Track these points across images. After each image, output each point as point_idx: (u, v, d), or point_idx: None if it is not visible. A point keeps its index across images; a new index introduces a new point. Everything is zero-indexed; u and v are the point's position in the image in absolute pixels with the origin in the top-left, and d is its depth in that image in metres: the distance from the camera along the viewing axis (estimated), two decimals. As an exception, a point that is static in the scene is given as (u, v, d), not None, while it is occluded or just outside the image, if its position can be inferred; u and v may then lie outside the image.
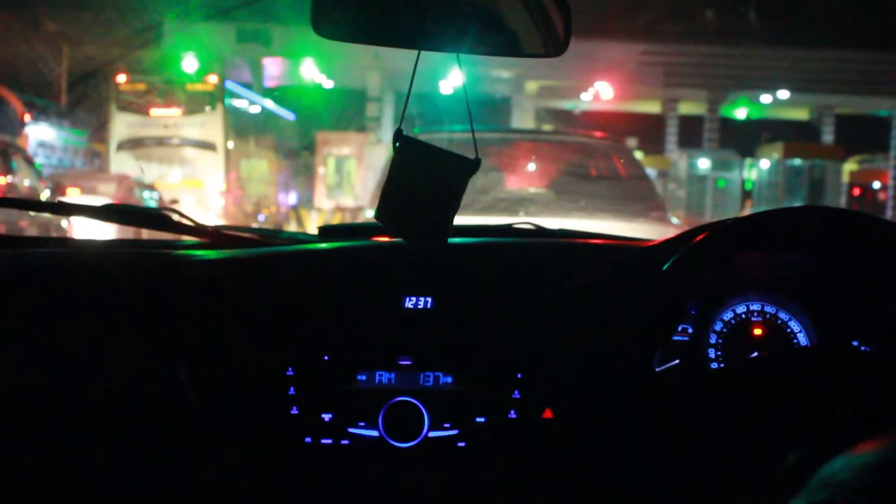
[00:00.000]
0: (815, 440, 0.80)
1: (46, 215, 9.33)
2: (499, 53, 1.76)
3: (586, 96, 31.28)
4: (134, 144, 19.33)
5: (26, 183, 14.32)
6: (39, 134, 17.91)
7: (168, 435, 1.76)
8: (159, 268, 1.91)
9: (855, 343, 1.87)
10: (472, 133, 1.79)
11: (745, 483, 0.86)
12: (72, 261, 1.98)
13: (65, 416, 1.75)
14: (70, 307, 1.82)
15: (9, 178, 13.71)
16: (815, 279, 1.90)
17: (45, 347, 1.78)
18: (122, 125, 19.28)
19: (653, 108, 33.57)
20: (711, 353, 1.91)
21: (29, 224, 10.85)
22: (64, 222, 11.84)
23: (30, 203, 2.13)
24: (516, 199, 6.02)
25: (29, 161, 15.31)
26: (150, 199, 16.32)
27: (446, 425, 1.73)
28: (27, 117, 17.27)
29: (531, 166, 6.67)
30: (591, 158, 6.70)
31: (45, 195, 13.93)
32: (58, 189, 14.59)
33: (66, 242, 2.59)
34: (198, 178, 19.46)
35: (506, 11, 1.72)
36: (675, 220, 6.34)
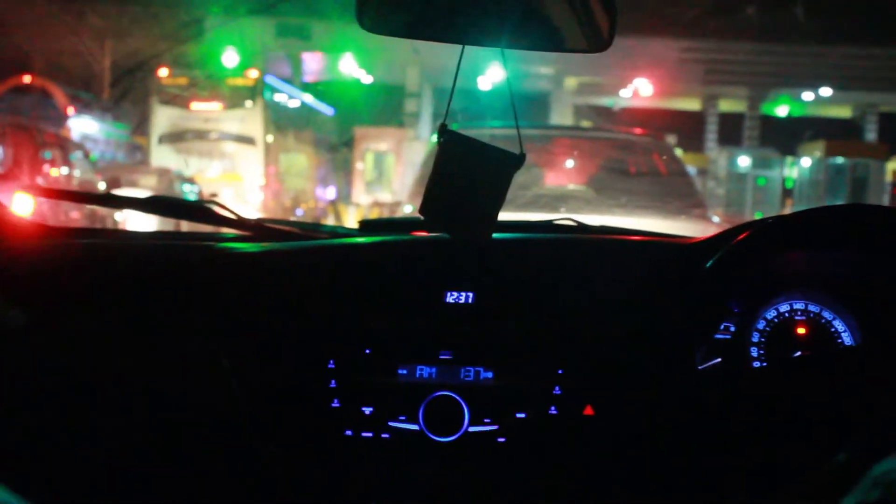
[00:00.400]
0: (865, 439, 0.79)
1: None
2: (542, 48, 1.76)
3: (625, 93, 31.16)
4: (175, 138, 19.48)
5: (83, 175, 14.79)
6: (82, 127, 18.10)
7: (211, 424, 1.77)
8: (203, 260, 1.92)
9: None
10: (516, 128, 1.79)
11: (793, 482, 0.85)
12: (119, 252, 2.00)
13: (110, 403, 1.77)
14: (117, 298, 1.84)
15: (68, 171, 14.20)
16: (859, 278, 1.88)
17: (93, 337, 1.80)
18: (163, 119, 19.44)
19: (693, 105, 33.38)
20: (754, 352, 1.89)
21: (84, 214, 11.06)
22: (118, 214, 12.05)
23: (79, 195, 2.16)
24: (557, 195, 6.00)
25: (85, 154, 15.75)
26: (189, 193, 16.45)
27: (486, 420, 1.73)
28: (70, 110, 17.46)
29: (572, 163, 6.64)
30: (631, 155, 6.62)
31: (100, 187, 14.32)
32: (112, 182, 14.91)
33: (115, 234, 2.61)
34: (237, 171, 19.58)
35: (550, 6, 1.71)
36: (715, 219, 6.32)
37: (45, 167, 14.09)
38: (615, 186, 6.03)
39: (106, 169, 17.21)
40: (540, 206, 5.34)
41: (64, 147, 15.20)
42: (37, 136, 14.67)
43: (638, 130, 7.58)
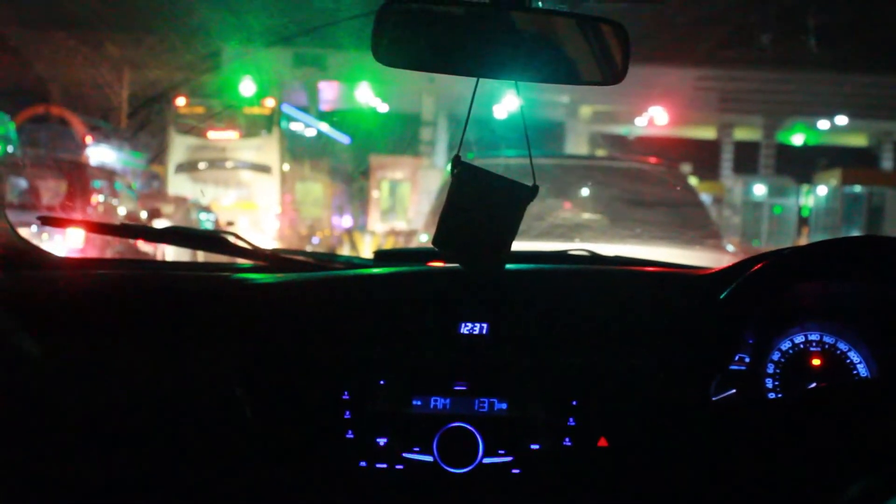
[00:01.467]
0: (878, 474, 0.79)
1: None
2: (557, 81, 1.77)
3: (641, 121, 31.11)
4: (192, 167, 19.53)
5: (127, 207, 15.24)
6: (100, 156, 18.19)
7: (224, 452, 1.78)
8: (218, 290, 1.94)
9: None
10: (529, 160, 1.80)
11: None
12: (136, 283, 2.01)
13: (125, 430, 1.78)
14: (133, 327, 1.85)
15: (112, 201, 14.64)
16: (875, 309, 1.87)
17: (109, 366, 1.81)
18: (180, 148, 19.50)
19: (708, 133, 33.31)
20: (769, 383, 1.89)
21: (116, 243, 11.26)
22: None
23: (97, 225, 2.18)
24: (571, 225, 6.00)
25: (129, 187, 16.12)
26: (206, 221, 16.50)
27: (501, 452, 1.73)
28: (89, 140, 17.56)
29: (586, 192, 6.62)
30: (645, 185, 6.62)
31: (143, 217, 14.74)
32: (153, 213, 15.29)
33: (133, 264, 2.63)
34: (253, 200, 19.60)
35: (564, 40, 1.73)
36: (730, 248, 6.30)
37: (95, 198, 14.57)
38: (629, 216, 6.03)
39: (147, 199, 17.54)
40: (554, 235, 5.35)
41: (110, 178, 15.70)
42: (88, 167, 15.19)
43: (652, 160, 7.61)
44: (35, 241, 2.24)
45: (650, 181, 6.71)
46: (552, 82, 1.77)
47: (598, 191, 6.58)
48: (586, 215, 6.35)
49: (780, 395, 1.89)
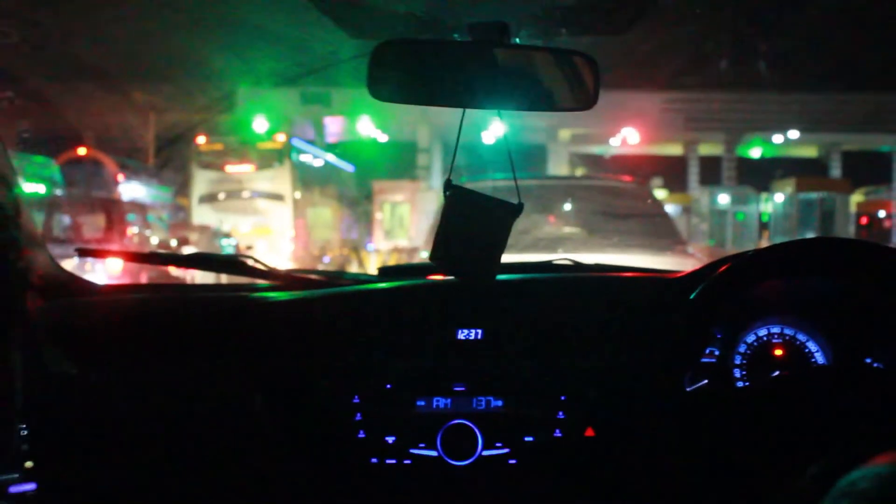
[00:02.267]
0: (835, 452, 0.79)
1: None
2: (535, 109, 1.78)
3: (615, 141, 31.18)
4: (213, 198, 19.56)
5: (158, 236, 15.47)
6: (131, 192, 18.24)
7: (246, 456, 1.77)
8: (238, 309, 1.93)
9: (868, 360, 1.84)
10: (514, 180, 1.80)
11: (771, 493, 0.85)
12: (163, 305, 2.01)
13: (155, 440, 1.78)
14: (165, 345, 1.85)
15: (146, 232, 14.78)
16: (829, 303, 1.87)
17: (139, 383, 1.81)
18: (202, 181, 19.53)
19: (675, 150, 33.40)
20: (737, 373, 1.89)
21: (150, 269, 11.37)
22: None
23: (128, 254, 2.18)
24: (554, 238, 6.07)
25: (160, 218, 16.28)
26: (227, 246, 16.53)
27: (498, 444, 1.73)
28: (121, 177, 17.61)
29: (565, 208, 6.71)
30: (617, 199, 6.71)
31: (173, 244, 14.91)
32: (182, 241, 15.46)
33: (160, 288, 2.63)
34: (269, 226, 19.62)
35: (540, 71, 1.73)
36: (691, 250, 6.53)
37: (131, 230, 14.77)
38: (605, 228, 6.13)
39: (175, 228, 17.70)
40: (539, 248, 5.32)
41: (142, 211, 15.89)
42: (121, 203, 15.41)
43: (623, 177, 7.71)
44: (78, 273, 2.24)
45: (621, 196, 6.83)
46: (531, 110, 1.78)
47: (576, 206, 6.69)
48: (566, 229, 6.46)
49: (747, 384, 1.89)
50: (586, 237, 6.13)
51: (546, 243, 5.71)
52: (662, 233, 6.17)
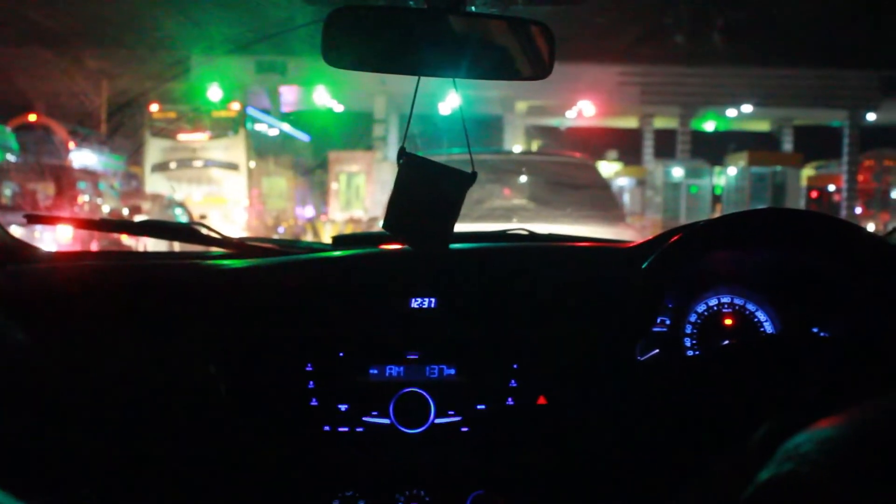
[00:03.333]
0: (780, 417, 0.80)
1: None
2: (490, 77, 1.77)
3: (571, 114, 31.22)
4: (166, 167, 19.36)
5: (110, 204, 15.24)
6: (82, 159, 17.95)
7: (200, 424, 1.77)
8: (191, 277, 1.92)
9: (815, 329, 1.87)
10: (468, 150, 1.80)
11: (718, 457, 0.86)
12: (115, 273, 1.98)
13: (107, 409, 1.76)
14: (113, 313, 1.83)
15: (97, 200, 14.61)
16: (778, 273, 1.90)
17: (91, 350, 1.78)
18: (155, 150, 19.31)
19: (631, 123, 33.52)
20: (688, 342, 1.91)
21: (101, 237, 11.26)
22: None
23: (78, 221, 2.13)
24: (505, 208, 6.42)
25: (111, 186, 16.07)
26: (181, 216, 16.36)
27: (451, 412, 1.74)
28: (72, 145, 17.32)
29: (517, 181, 7.09)
30: (563, 174, 7.13)
31: (125, 213, 14.70)
32: (133, 209, 15.28)
33: (113, 255, 2.59)
34: (223, 195, 19.48)
35: (495, 39, 1.72)
36: (629, 221, 7.45)
37: (82, 198, 14.53)
38: (553, 199, 6.58)
39: (126, 197, 17.48)
40: (492, 218, 5.72)
41: (94, 179, 15.65)
42: (72, 170, 15.16)
43: (568, 153, 8.09)
44: (27, 241, 2.20)
45: (567, 171, 7.24)
46: (486, 78, 1.77)
47: (526, 180, 7.08)
48: (516, 200, 6.78)
49: (697, 353, 1.91)
50: (535, 208, 6.47)
51: (499, 213, 6.08)
52: (605, 205, 6.59)
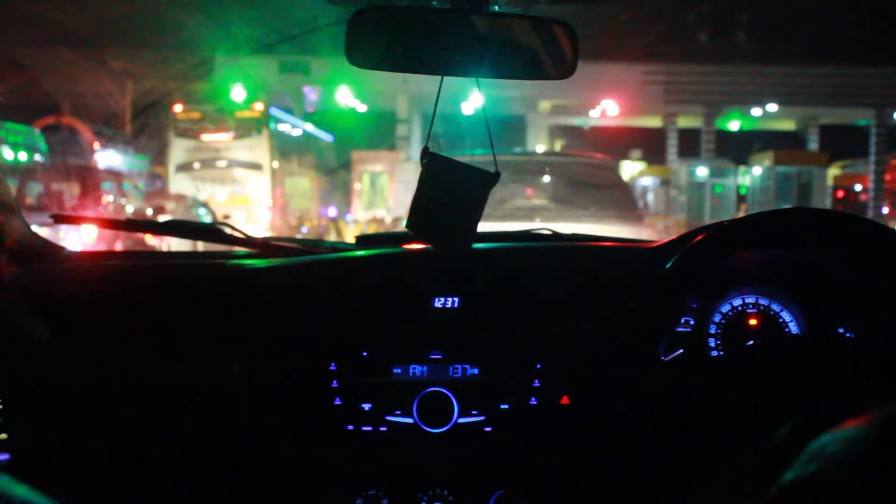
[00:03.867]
0: (805, 417, 0.80)
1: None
2: (512, 77, 1.77)
3: (594, 113, 31.13)
4: (190, 167, 19.45)
5: (134, 204, 15.39)
6: (107, 160, 18.07)
7: (223, 422, 1.78)
8: (216, 276, 1.93)
9: (840, 330, 1.86)
10: (491, 149, 1.80)
11: (741, 457, 0.86)
12: (141, 272, 2.00)
13: (129, 407, 1.77)
14: (141, 312, 1.85)
15: (121, 200, 14.76)
16: (803, 273, 1.89)
17: (117, 348, 1.80)
18: (179, 150, 19.41)
19: (654, 122, 33.39)
20: (712, 342, 1.90)
21: (125, 237, 11.36)
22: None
23: (104, 221, 2.14)
24: (527, 208, 6.56)
25: (136, 187, 16.23)
26: (204, 216, 16.45)
27: (474, 412, 1.74)
28: (97, 145, 17.45)
29: (539, 181, 7.26)
30: (584, 174, 7.32)
31: (148, 214, 14.82)
32: (157, 209, 15.37)
33: (139, 256, 2.61)
34: (247, 195, 19.55)
35: (518, 39, 1.73)
36: (646, 220, 7.58)
37: (106, 198, 14.67)
38: (572, 200, 6.76)
39: (151, 197, 17.59)
40: (514, 217, 5.83)
41: (118, 179, 15.81)
42: (97, 171, 15.31)
43: (588, 154, 8.29)
44: (53, 240, 2.22)
45: (587, 171, 7.43)
46: (509, 78, 1.77)
47: (548, 180, 7.24)
48: (537, 200, 6.93)
49: (721, 353, 1.90)
50: (556, 208, 6.63)
51: (520, 213, 6.19)
52: (624, 206, 6.77)
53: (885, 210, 28.67)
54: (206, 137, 19.62)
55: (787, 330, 1.91)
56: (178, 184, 19.04)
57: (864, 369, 1.38)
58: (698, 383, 1.52)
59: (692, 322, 1.91)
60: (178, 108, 18.91)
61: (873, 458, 0.66)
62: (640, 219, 6.97)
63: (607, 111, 29.62)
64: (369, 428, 1.75)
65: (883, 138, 30.19)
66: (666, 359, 1.73)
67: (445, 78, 1.74)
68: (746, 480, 0.83)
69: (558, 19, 1.69)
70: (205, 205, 17.42)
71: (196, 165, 19.52)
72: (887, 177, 29.71)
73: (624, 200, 6.95)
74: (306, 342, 1.78)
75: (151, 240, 11.23)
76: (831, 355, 1.44)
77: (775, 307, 1.92)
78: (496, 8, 1.74)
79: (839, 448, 0.68)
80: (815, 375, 1.36)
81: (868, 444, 0.68)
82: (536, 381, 1.75)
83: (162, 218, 13.51)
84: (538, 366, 1.76)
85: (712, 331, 1.91)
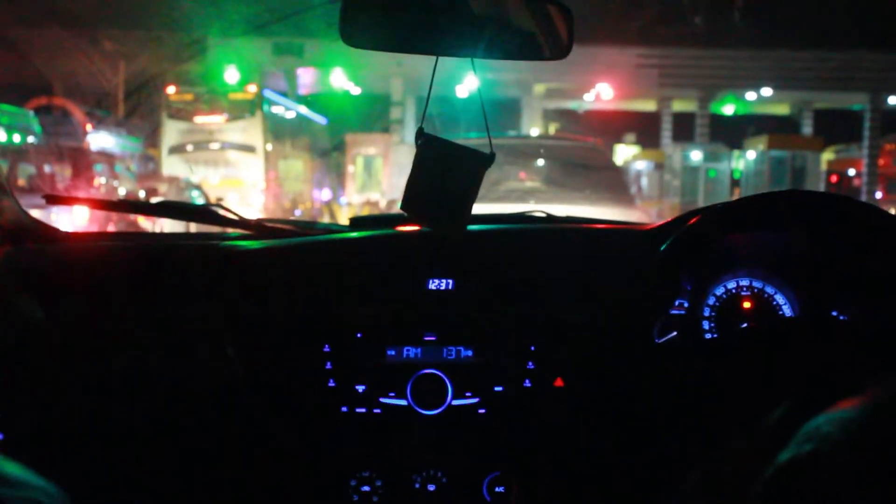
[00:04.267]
0: (800, 398, 0.80)
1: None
2: (507, 57, 1.76)
3: (589, 97, 31.19)
4: (183, 149, 19.41)
5: (126, 186, 15.35)
6: (100, 141, 18.03)
7: (219, 405, 1.78)
8: (209, 257, 1.92)
9: (835, 313, 1.86)
10: (486, 130, 1.80)
11: (736, 438, 0.86)
12: (136, 252, 1.99)
13: (126, 389, 1.77)
14: (134, 292, 1.84)
15: (114, 182, 14.72)
16: (797, 256, 1.89)
17: (111, 330, 1.80)
18: (172, 132, 19.36)
19: (649, 106, 33.44)
20: (706, 325, 1.91)
21: (118, 219, 11.31)
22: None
23: (97, 202, 2.13)
24: (520, 190, 6.79)
25: (128, 169, 16.19)
26: (198, 198, 16.43)
27: (468, 394, 1.74)
28: (89, 127, 17.40)
29: (530, 165, 7.49)
30: (576, 158, 7.51)
31: (141, 196, 14.80)
32: (150, 192, 15.34)
33: (131, 236, 2.60)
34: (240, 177, 19.52)
35: (513, 19, 1.72)
36: (638, 202, 8.16)
37: (98, 180, 14.64)
38: (563, 182, 6.94)
39: (143, 179, 17.54)
40: (507, 199, 5.99)
41: (110, 161, 15.76)
42: (89, 152, 15.26)
43: (580, 137, 8.59)
44: (45, 220, 2.21)
45: (579, 155, 7.65)
46: (504, 58, 1.76)
47: (539, 163, 7.49)
48: (530, 183, 7.20)
49: (716, 336, 1.90)
50: (548, 190, 6.82)
51: (514, 195, 6.38)
52: (614, 188, 6.98)
53: (879, 195, 28.77)
54: (199, 119, 19.57)
55: (780, 313, 1.91)
56: (171, 166, 18.99)
57: (857, 351, 1.39)
58: (692, 366, 1.53)
59: (686, 305, 1.91)
60: (170, 89, 18.85)
61: (868, 438, 0.66)
62: (632, 202, 7.20)
63: (602, 94, 29.68)
64: (363, 410, 1.75)
65: (877, 123, 30.30)
66: (660, 341, 1.73)
67: (440, 61, 1.73)
68: (742, 462, 0.84)
69: (554, 0, 1.68)
70: (198, 187, 17.39)
71: (189, 147, 19.48)
72: (881, 161, 29.82)
73: (615, 183, 7.15)
74: (300, 324, 1.78)
75: (144, 222, 11.22)
76: (825, 338, 1.44)
77: (769, 290, 1.92)
78: (492, -13, 1.73)
79: (834, 428, 0.68)
80: (810, 358, 1.37)
81: (862, 423, 0.68)
82: (530, 363, 1.75)
83: (155, 200, 13.50)
84: (532, 348, 1.76)
85: (706, 313, 1.92)
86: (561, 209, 2.43)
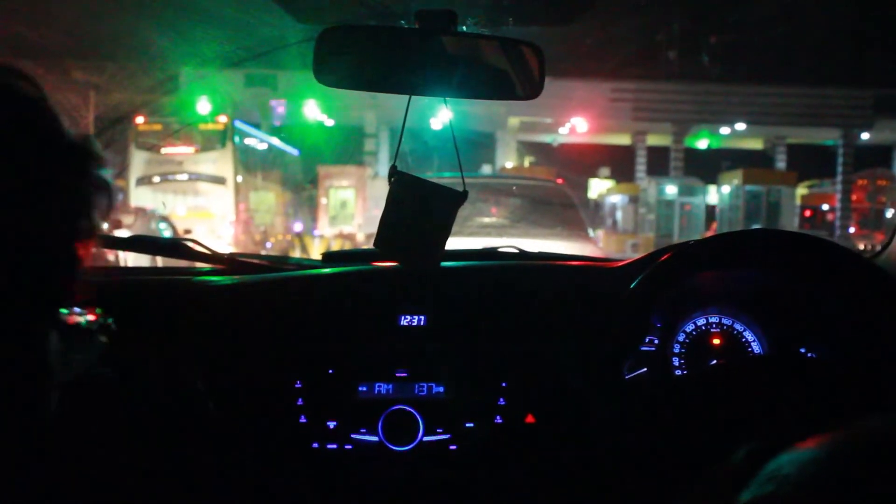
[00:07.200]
0: (762, 438, 0.82)
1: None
2: (480, 97, 1.80)
3: (563, 130, 31.32)
4: (150, 180, 19.27)
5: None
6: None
7: (189, 440, 1.77)
8: (181, 292, 1.93)
9: (803, 350, 1.89)
10: (459, 168, 1.83)
11: (702, 478, 0.88)
12: (106, 288, 1.99)
13: (93, 420, 1.77)
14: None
15: None
16: (766, 293, 1.92)
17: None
18: (140, 163, 19.20)
19: (623, 140, 33.62)
20: (676, 362, 1.93)
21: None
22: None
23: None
24: (486, 225, 7.27)
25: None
26: (165, 230, 16.28)
27: (439, 430, 1.75)
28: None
29: (496, 202, 8.01)
30: (537, 195, 8.22)
31: (104, 228, 14.54)
32: (114, 224, 15.12)
33: (97, 271, 2.59)
34: (210, 209, 19.38)
35: (486, 59, 1.75)
36: (592, 235, 8.71)
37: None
38: (526, 218, 7.54)
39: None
40: (478, 234, 6.45)
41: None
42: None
43: (545, 176, 9.24)
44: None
45: (541, 192, 8.39)
46: (476, 98, 1.80)
47: (504, 200, 8.03)
48: (495, 218, 7.68)
49: (685, 372, 1.93)
50: (512, 224, 7.37)
51: (483, 231, 6.86)
52: (572, 224, 7.62)
53: (852, 230, 29.06)
54: (168, 150, 19.45)
55: (750, 350, 1.94)
56: (139, 197, 18.81)
57: (824, 389, 1.41)
58: (661, 403, 1.55)
59: (656, 341, 1.93)
60: (139, 119, 18.72)
61: (828, 480, 0.67)
62: (587, 236, 7.81)
63: (577, 128, 29.83)
64: (334, 446, 1.76)
65: (850, 158, 30.64)
66: (629, 377, 1.76)
67: (410, 98, 1.76)
68: (707, 500, 0.85)
69: (526, 40, 1.71)
70: (165, 219, 17.25)
71: (156, 179, 19.33)
72: (854, 196, 30.16)
73: (573, 219, 7.80)
74: (272, 360, 1.79)
75: (109, 254, 11.10)
76: (793, 375, 1.47)
77: (739, 327, 1.95)
78: (464, 28, 1.76)
79: (794, 470, 0.70)
80: (777, 395, 1.39)
81: (823, 465, 0.69)
82: (502, 399, 1.77)
83: (118, 233, 13.35)
84: (503, 384, 1.77)
85: (676, 350, 1.94)
86: (526, 243, 2.46)
